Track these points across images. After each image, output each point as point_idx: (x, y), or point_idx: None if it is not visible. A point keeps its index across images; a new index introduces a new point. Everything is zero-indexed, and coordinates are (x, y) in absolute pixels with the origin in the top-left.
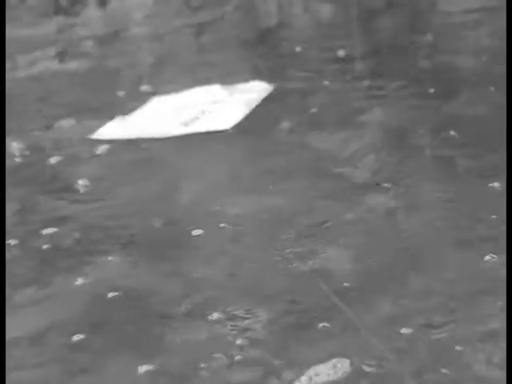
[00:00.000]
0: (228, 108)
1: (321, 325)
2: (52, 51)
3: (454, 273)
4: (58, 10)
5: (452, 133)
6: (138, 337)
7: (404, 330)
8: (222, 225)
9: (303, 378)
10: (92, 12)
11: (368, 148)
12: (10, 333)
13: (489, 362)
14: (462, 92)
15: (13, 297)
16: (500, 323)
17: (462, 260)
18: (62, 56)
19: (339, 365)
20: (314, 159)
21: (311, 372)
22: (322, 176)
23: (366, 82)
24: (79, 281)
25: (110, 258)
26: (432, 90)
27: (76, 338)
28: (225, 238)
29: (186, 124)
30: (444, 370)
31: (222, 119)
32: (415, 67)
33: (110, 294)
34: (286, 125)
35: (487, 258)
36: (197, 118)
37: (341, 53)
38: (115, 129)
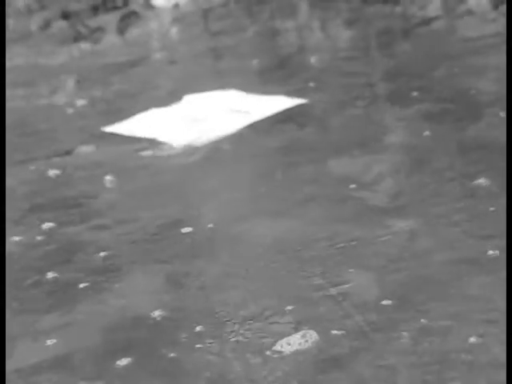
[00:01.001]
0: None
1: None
2: (72, 78)
3: (476, 298)
4: (79, 38)
5: (473, 156)
6: (164, 363)
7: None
8: (243, 249)
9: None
10: (112, 39)
11: (389, 172)
12: (31, 359)
13: None
14: (482, 115)
15: (35, 323)
16: None
17: (483, 285)
18: (81, 83)
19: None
20: (334, 183)
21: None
22: (343, 200)
23: (387, 106)
24: (100, 307)
25: (133, 283)
26: (452, 114)
27: (92, 364)
28: (247, 260)
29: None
30: None
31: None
32: (435, 91)
33: (133, 320)
34: (306, 149)
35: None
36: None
37: (361, 77)
38: (128, 126)
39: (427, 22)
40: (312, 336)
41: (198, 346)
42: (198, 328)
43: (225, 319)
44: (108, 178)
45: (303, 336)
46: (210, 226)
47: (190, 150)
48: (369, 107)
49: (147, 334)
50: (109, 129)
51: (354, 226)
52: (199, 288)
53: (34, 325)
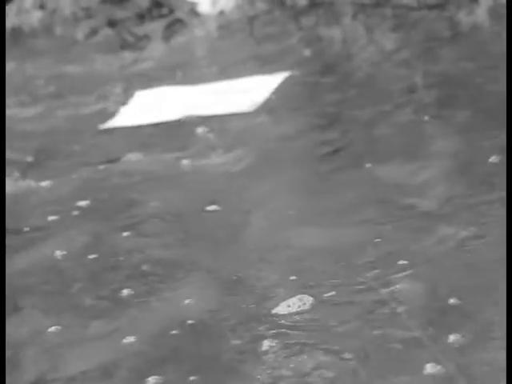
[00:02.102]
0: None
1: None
2: (118, 87)
3: None
4: (124, 46)
5: None
6: (207, 369)
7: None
8: (288, 256)
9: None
10: (157, 47)
11: (437, 178)
12: (79, 366)
13: None
14: None
15: (84, 329)
16: None
17: None
18: (128, 90)
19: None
20: (382, 190)
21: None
22: (391, 207)
23: (434, 112)
24: (147, 313)
25: (178, 291)
26: (498, 120)
27: (140, 372)
28: (294, 268)
29: (203, 106)
30: None
31: (243, 102)
32: (482, 97)
33: (178, 328)
34: (353, 156)
35: None
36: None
37: (407, 83)
38: (124, 117)
39: (474, 27)
40: None
41: (246, 352)
42: (247, 334)
43: (276, 326)
44: (154, 185)
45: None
46: (258, 233)
47: (235, 158)
48: (415, 113)
49: (193, 341)
50: (105, 126)
51: (401, 233)
52: (248, 294)
53: (81, 332)
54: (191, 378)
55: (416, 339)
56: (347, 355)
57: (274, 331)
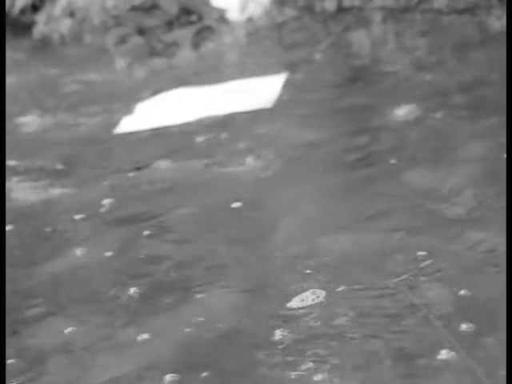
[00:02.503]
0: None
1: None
2: (147, 94)
3: None
4: (154, 53)
5: None
6: (235, 379)
7: None
8: (316, 262)
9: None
10: (186, 54)
11: (466, 184)
12: (110, 372)
13: None
14: None
15: (114, 337)
16: None
17: None
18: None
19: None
20: (411, 196)
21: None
22: (420, 213)
23: (464, 117)
24: (177, 321)
25: (206, 297)
26: None
27: (170, 378)
28: (322, 274)
29: (219, 105)
30: None
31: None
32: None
33: (209, 335)
34: (381, 161)
35: None
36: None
37: (436, 88)
38: (137, 120)
39: (504, 31)
40: None
41: (276, 361)
42: (279, 344)
43: (306, 335)
44: (183, 192)
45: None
46: (287, 239)
47: (263, 165)
48: (444, 118)
49: (225, 348)
50: (119, 130)
51: (430, 239)
52: (277, 301)
53: (113, 338)
54: None
55: (444, 344)
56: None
57: (299, 337)
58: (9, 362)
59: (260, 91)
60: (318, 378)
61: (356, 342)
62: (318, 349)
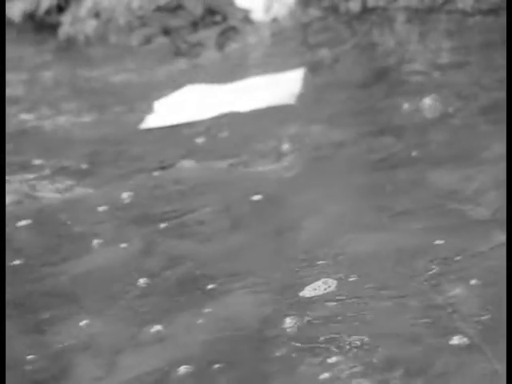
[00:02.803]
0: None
1: None
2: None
3: None
4: (178, 53)
5: None
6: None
7: None
8: (341, 261)
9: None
10: (211, 54)
11: (490, 184)
12: (133, 371)
13: None
14: None
15: (138, 335)
16: None
17: None
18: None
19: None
20: (436, 196)
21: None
22: (444, 213)
23: (489, 117)
24: (200, 319)
25: (231, 296)
26: None
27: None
28: (347, 273)
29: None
30: None
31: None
32: None
33: (231, 333)
34: (405, 161)
35: None
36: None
37: (461, 89)
38: (162, 116)
39: None
40: None
41: (297, 361)
42: (298, 344)
43: (323, 335)
44: (207, 192)
45: None
46: (311, 238)
47: (287, 165)
48: (468, 119)
49: (247, 348)
50: (145, 126)
51: (455, 239)
52: (301, 302)
53: (136, 337)
54: None
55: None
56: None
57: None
58: (33, 360)
59: (280, 87)
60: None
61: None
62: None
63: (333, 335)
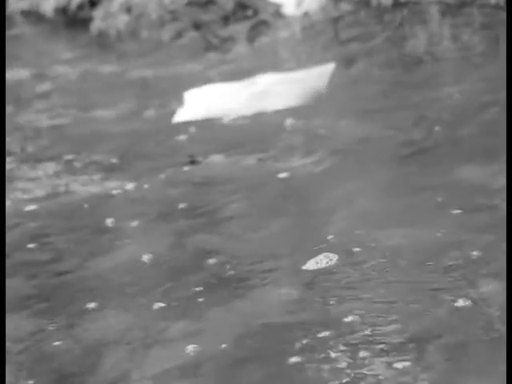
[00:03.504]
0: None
1: None
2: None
3: None
4: (209, 48)
5: None
6: (283, 373)
7: None
8: (375, 257)
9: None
10: (242, 48)
11: None
12: (162, 365)
13: None
14: None
15: (167, 329)
16: None
17: None
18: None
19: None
20: (465, 191)
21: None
22: (474, 208)
23: None
24: (230, 315)
25: (259, 291)
26: None
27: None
28: (380, 269)
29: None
30: None
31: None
32: None
33: (261, 328)
34: (436, 156)
35: None
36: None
37: (492, 83)
38: (192, 110)
39: None
40: None
41: (324, 355)
42: (324, 334)
43: (352, 330)
44: (236, 187)
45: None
46: (340, 233)
47: (317, 160)
48: (500, 113)
49: (275, 342)
50: (178, 119)
51: (486, 235)
52: (326, 298)
53: (165, 332)
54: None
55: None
56: None
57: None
58: (64, 353)
59: (310, 82)
60: None
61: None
62: None
63: (368, 332)
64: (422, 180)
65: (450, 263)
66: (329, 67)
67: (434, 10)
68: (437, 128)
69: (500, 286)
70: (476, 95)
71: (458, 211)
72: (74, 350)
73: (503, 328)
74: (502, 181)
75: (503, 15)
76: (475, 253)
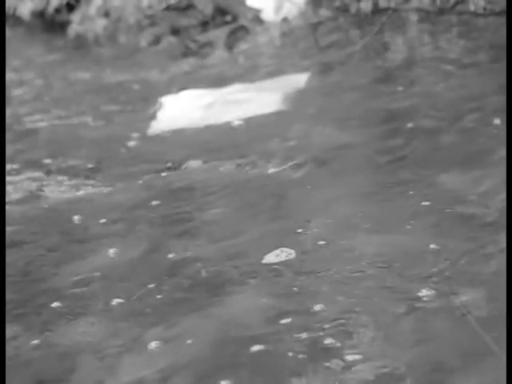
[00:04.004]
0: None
1: None
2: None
3: None
4: (188, 53)
5: None
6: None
7: None
8: (350, 263)
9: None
10: (220, 54)
11: (499, 187)
12: (136, 373)
13: None
14: None
15: (142, 336)
16: None
17: None
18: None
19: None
20: (444, 199)
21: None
22: (452, 215)
23: (498, 120)
24: (205, 322)
25: (238, 299)
26: None
27: (201, 379)
28: (353, 275)
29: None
30: None
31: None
32: None
33: (238, 334)
34: (415, 163)
35: None
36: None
37: (471, 90)
38: (170, 115)
39: None
40: None
41: (301, 368)
42: (302, 353)
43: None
44: (214, 193)
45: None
46: (318, 239)
47: (296, 166)
48: (479, 121)
49: (250, 351)
50: (155, 124)
51: (464, 242)
52: (302, 301)
53: (139, 339)
54: None
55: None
56: None
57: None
58: (38, 360)
59: (284, 90)
60: None
61: None
62: None
63: (342, 328)
64: (400, 187)
65: (428, 270)
66: (304, 76)
67: (413, 17)
68: (415, 135)
69: (480, 294)
70: (454, 103)
71: (437, 218)
72: (48, 357)
73: (486, 335)
74: (482, 188)
75: (482, 22)
76: (454, 260)
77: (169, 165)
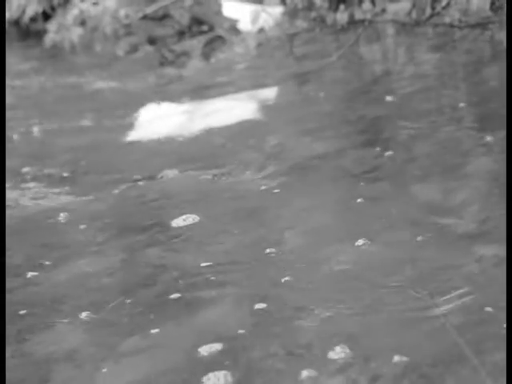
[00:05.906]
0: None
1: None
2: (154, 103)
3: None
4: (164, 62)
5: None
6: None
7: None
8: (323, 273)
9: None
10: (197, 64)
11: (474, 197)
12: (113, 382)
13: None
14: None
15: (119, 346)
16: None
17: None
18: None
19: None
20: (419, 209)
21: None
22: (428, 226)
23: (474, 131)
24: (182, 330)
25: (211, 307)
26: None
27: None
28: (327, 286)
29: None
30: None
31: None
32: None
33: (211, 346)
34: (390, 174)
35: None
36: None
37: (446, 102)
38: (146, 125)
39: None
40: None
41: (282, 368)
42: (279, 351)
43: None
44: (190, 202)
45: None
46: (293, 251)
47: (271, 176)
48: (455, 132)
49: (231, 355)
50: (131, 134)
51: (438, 253)
52: (279, 311)
53: (117, 348)
54: None
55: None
56: None
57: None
58: (13, 369)
59: (256, 101)
60: None
61: None
62: None
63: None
64: (375, 198)
65: (403, 281)
66: (279, 86)
67: (389, 29)
68: (390, 146)
69: (457, 303)
70: (430, 114)
71: (412, 229)
72: (23, 366)
73: (466, 346)
74: (457, 199)
75: (458, 34)
76: (427, 271)
77: (145, 174)
